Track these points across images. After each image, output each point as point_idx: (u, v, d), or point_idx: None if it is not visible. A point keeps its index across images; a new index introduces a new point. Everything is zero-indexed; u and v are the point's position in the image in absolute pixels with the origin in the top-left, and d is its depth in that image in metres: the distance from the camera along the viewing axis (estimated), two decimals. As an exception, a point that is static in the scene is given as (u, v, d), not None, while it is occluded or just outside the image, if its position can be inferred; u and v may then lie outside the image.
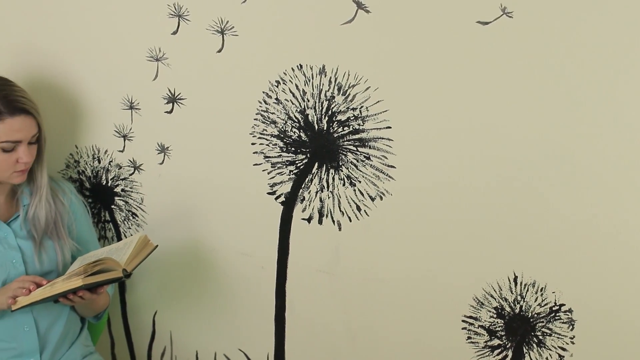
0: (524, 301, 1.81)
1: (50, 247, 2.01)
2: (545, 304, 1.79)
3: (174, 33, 1.99)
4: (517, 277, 1.80)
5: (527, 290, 1.80)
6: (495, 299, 1.84)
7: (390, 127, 1.81)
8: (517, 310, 1.83)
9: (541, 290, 1.78)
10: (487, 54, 1.65)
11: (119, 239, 2.38)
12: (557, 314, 1.78)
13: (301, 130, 1.93)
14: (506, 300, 1.83)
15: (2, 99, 1.84)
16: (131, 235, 2.33)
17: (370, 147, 1.85)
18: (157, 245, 1.93)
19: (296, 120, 1.92)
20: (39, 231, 2.00)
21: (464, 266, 1.85)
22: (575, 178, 1.65)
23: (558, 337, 1.80)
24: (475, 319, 1.88)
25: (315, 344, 2.15)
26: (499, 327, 1.87)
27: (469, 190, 1.78)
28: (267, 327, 2.21)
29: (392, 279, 1.96)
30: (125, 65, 2.11)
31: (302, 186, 1.98)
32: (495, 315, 1.86)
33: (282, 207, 2.04)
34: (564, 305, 1.77)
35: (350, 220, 1.96)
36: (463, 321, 1.90)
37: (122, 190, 2.28)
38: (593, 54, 1.56)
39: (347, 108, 1.85)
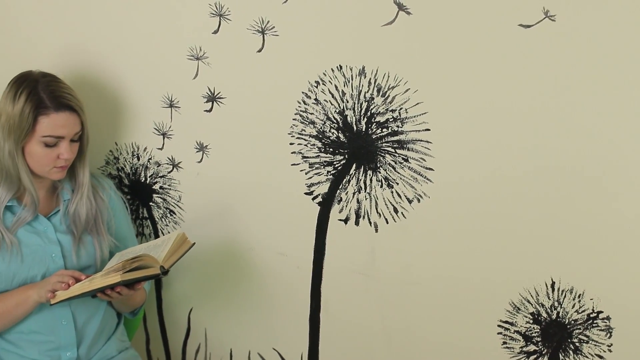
0: (561, 307, 1.79)
1: (89, 243, 2.04)
2: (583, 311, 1.77)
3: (215, 32, 2.00)
4: (554, 282, 1.78)
5: (565, 296, 1.78)
6: (531, 305, 1.83)
7: (429, 130, 1.81)
8: (553, 317, 1.81)
9: (579, 296, 1.76)
10: (529, 57, 1.63)
11: (157, 236, 2.39)
12: (595, 321, 1.76)
13: (340, 131, 1.93)
14: (543, 305, 1.81)
15: (49, 94, 1.87)
16: (169, 232, 2.34)
17: (408, 149, 1.85)
18: (194, 243, 1.94)
19: (335, 121, 1.92)
20: (79, 227, 2.02)
21: (501, 271, 1.84)
22: (616, 182, 1.64)
23: (595, 345, 1.78)
24: (511, 324, 1.87)
25: (349, 345, 2.15)
26: (535, 332, 1.85)
27: (507, 195, 1.77)
28: (301, 327, 2.21)
29: (428, 281, 1.95)
30: (166, 64, 2.12)
31: (340, 187, 1.98)
32: (531, 321, 1.85)
33: (319, 207, 2.04)
34: (602, 312, 1.75)
35: (387, 222, 1.95)
36: (499, 326, 1.89)
37: (161, 187, 2.30)
38: (636, 58, 1.54)
39: (386, 110, 1.84)
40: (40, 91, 1.87)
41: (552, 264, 1.77)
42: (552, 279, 1.78)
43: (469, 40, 1.69)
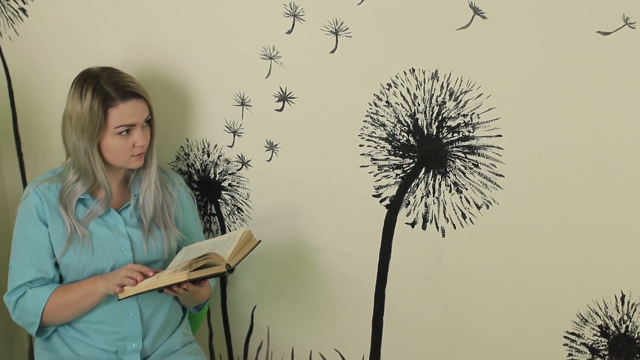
0: (630, 321, 1.76)
1: (157, 236, 2.07)
2: (653, 326, 1.74)
3: (289, 32, 2.01)
4: (624, 295, 1.75)
5: (635, 309, 1.74)
6: (599, 317, 1.79)
7: (500, 136, 1.79)
8: (622, 330, 1.78)
9: (649, 311, 1.73)
10: (607, 64, 1.61)
11: (223, 232, 2.41)
12: (666, 337, 1.73)
13: (410, 135, 1.92)
14: (611, 319, 1.78)
15: (113, 86, 1.91)
16: (235, 229, 2.36)
17: (479, 155, 1.83)
18: (260, 241, 1.95)
19: (405, 124, 1.92)
20: (147, 217, 2.05)
21: (569, 281, 1.81)
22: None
23: (665, 361, 1.75)
24: (578, 335, 1.84)
25: (411, 349, 2.14)
26: (603, 346, 1.82)
27: (579, 205, 1.74)
28: (364, 329, 2.21)
29: (494, 289, 1.93)
30: (239, 63, 2.14)
31: (408, 190, 1.97)
32: (599, 334, 1.81)
33: (387, 210, 2.03)
34: (673, 328, 1.71)
35: (455, 228, 1.94)
36: (565, 337, 1.86)
37: (229, 184, 2.32)
38: None
39: (458, 114, 1.83)
40: (104, 85, 1.91)
41: (623, 277, 1.74)
42: (622, 292, 1.75)
43: (545, 46, 1.67)
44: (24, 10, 2.46)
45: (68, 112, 1.95)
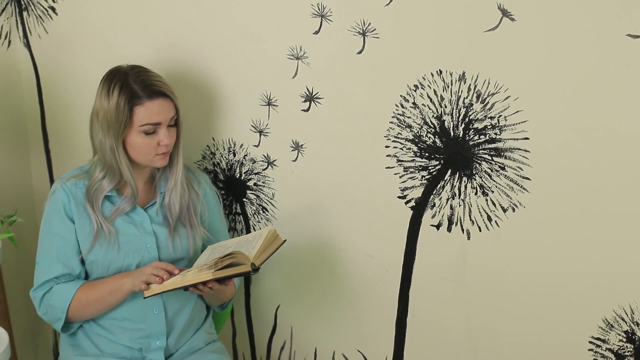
0: (657, 327, 1.75)
1: (183, 235, 2.08)
2: (680, 332, 1.73)
3: (316, 33, 2.01)
4: (651, 301, 1.74)
5: (662, 315, 1.74)
6: (626, 323, 1.78)
7: (528, 139, 1.78)
8: (649, 336, 1.77)
9: (676, 317, 1.72)
10: (636, 68, 1.59)
11: (248, 231, 2.42)
12: (693, 344, 1.72)
13: (436, 136, 1.92)
14: (638, 324, 1.77)
15: (140, 84, 1.92)
16: (260, 228, 2.37)
17: (505, 157, 1.82)
18: (285, 240, 1.95)
19: (432, 125, 1.91)
20: (173, 216, 2.06)
21: (595, 286, 1.80)
22: None
23: (691, 368, 1.73)
24: (604, 341, 1.83)
25: (435, 351, 2.13)
26: (629, 352, 1.80)
27: (606, 210, 1.73)
28: (387, 331, 2.20)
29: (519, 292, 1.92)
30: (266, 63, 2.14)
31: (434, 192, 1.97)
32: (624, 340, 1.80)
33: (412, 211, 2.03)
34: (701, 334, 1.70)
35: (480, 230, 1.93)
36: (590, 342, 1.85)
37: (255, 184, 2.32)
38: None
39: (485, 116, 1.82)
40: (132, 83, 1.92)
41: (650, 282, 1.73)
42: (649, 297, 1.74)
43: (573, 49, 1.66)
44: (53, 9, 2.48)
45: (96, 108, 1.97)
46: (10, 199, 2.69)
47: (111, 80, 1.94)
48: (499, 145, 1.83)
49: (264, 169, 2.28)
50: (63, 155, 2.73)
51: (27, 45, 2.61)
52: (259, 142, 2.25)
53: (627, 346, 1.80)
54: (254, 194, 2.34)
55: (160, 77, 1.98)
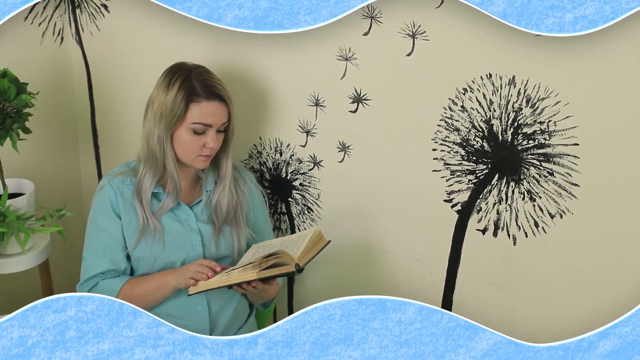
0: None
1: (228, 233, 2.09)
2: None
3: (365, 34, 2.01)
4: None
5: None
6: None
7: (577, 145, 1.76)
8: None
9: None
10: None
11: (293, 231, 2.43)
12: None
13: (484, 140, 1.90)
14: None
15: (201, 83, 1.95)
16: (305, 229, 2.37)
17: (554, 163, 1.81)
18: (329, 241, 1.95)
19: (480, 129, 1.90)
20: (219, 218, 2.07)
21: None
22: None
23: None
24: (651, 351, 1.80)
25: (478, 357, 2.12)
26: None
27: (657, 218, 1.71)
28: (430, 335, 2.19)
29: (564, 299, 1.90)
30: (315, 63, 2.14)
31: (480, 196, 1.95)
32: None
33: (457, 215, 2.02)
34: None
35: (527, 236, 1.91)
36: (637, 352, 1.82)
37: (300, 184, 2.33)
38: None
39: (534, 121, 1.81)
40: (193, 80, 1.95)
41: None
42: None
43: (625, 54, 1.64)
44: (105, 7, 2.51)
45: (152, 98, 2.00)
46: (60, 194, 2.73)
47: (174, 74, 1.97)
48: (548, 150, 1.81)
49: (310, 169, 2.28)
50: (111, 151, 2.76)
51: (79, 42, 2.65)
52: (306, 142, 2.26)
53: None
54: (300, 194, 2.35)
55: (221, 82, 2.01)
